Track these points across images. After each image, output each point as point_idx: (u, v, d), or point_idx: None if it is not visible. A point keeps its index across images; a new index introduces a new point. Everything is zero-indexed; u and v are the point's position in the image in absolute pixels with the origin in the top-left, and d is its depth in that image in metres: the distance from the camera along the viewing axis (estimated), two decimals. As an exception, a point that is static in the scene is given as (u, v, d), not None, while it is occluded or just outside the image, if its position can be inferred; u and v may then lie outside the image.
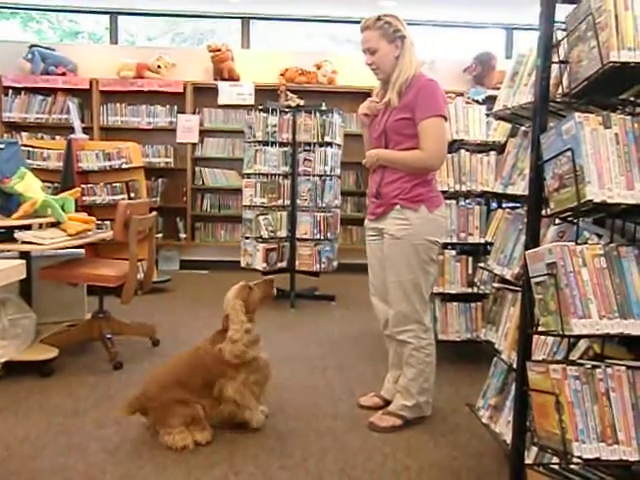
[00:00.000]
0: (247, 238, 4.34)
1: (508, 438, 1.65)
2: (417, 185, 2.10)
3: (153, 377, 2.14)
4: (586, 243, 1.33)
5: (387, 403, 2.34)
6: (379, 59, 2.11)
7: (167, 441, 1.99)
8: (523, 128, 1.88)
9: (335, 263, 4.45)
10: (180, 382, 2.04)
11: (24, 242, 2.60)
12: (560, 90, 1.44)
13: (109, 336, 2.92)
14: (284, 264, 4.32)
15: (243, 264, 4.37)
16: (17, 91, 5.35)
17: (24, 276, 1.35)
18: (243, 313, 2.11)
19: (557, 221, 1.54)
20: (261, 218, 4.24)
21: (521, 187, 1.75)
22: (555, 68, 1.45)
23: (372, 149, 2.22)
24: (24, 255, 2.68)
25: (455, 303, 2.97)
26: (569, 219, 1.47)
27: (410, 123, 2.07)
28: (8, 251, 2.64)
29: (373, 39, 2.10)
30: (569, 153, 1.27)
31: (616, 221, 1.47)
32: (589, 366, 1.28)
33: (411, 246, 2.09)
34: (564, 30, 1.40)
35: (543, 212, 1.48)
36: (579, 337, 1.41)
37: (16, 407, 2.33)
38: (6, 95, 5.33)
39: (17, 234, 2.63)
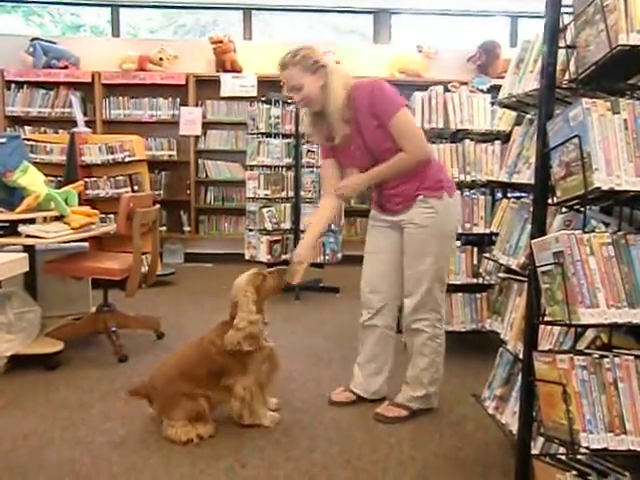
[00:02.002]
0: (251, 230, 4.34)
1: (514, 428, 1.64)
2: (434, 173, 2.10)
3: (159, 369, 2.14)
4: (593, 231, 1.31)
5: (359, 398, 2.33)
6: (307, 93, 2.05)
7: (170, 434, 2.00)
8: (528, 116, 1.85)
9: (339, 255, 4.44)
10: (185, 374, 2.04)
11: (28, 236, 2.60)
12: (567, 76, 1.41)
13: (114, 329, 2.92)
14: (288, 256, 4.31)
15: (247, 256, 4.36)
16: (19, 85, 5.34)
17: (27, 269, 1.35)
18: (253, 302, 2.05)
19: (563, 210, 1.52)
20: (265, 210, 4.23)
21: (527, 176, 1.73)
22: (562, 54, 1.42)
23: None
24: (28, 249, 2.68)
25: (460, 294, 2.96)
26: (576, 207, 1.45)
27: (382, 127, 2.03)
28: (12, 245, 2.64)
29: (295, 76, 2.05)
30: (576, 140, 1.25)
31: (624, 209, 1.44)
32: (597, 356, 1.27)
33: (437, 233, 2.09)
34: (571, 14, 1.37)
35: (549, 201, 1.46)
36: (586, 326, 1.39)
37: (22, 400, 2.34)
38: (8, 89, 5.33)
39: (21, 228, 2.63)
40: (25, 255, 1.35)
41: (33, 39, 5.37)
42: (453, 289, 2.96)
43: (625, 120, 1.23)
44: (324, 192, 2.43)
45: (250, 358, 2.06)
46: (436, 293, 2.14)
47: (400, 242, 2.18)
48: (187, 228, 5.62)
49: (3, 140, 2.85)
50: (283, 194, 4.27)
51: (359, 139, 2.08)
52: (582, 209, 1.39)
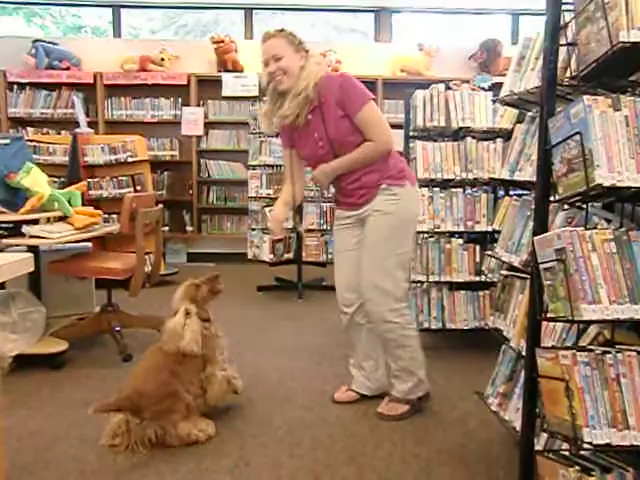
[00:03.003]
0: (253, 230, 4.35)
1: (517, 425, 1.65)
2: (395, 163, 2.14)
3: (138, 377, 2.06)
4: (595, 228, 1.31)
5: (362, 397, 2.34)
6: (285, 65, 2.06)
7: (175, 437, 1.97)
8: (530, 113, 1.85)
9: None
10: (175, 373, 2.03)
11: (32, 236, 2.62)
12: (568, 73, 1.42)
13: (118, 329, 2.94)
14: (291, 255, 4.32)
15: (250, 256, 4.38)
16: (22, 86, 5.36)
17: (32, 269, 1.36)
18: (187, 312, 2.10)
19: (565, 207, 1.53)
20: (267, 209, 4.23)
21: (529, 173, 1.73)
22: (563, 51, 1.42)
23: (314, 166, 2.19)
24: (32, 249, 2.70)
25: (462, 291, 2.97)
26: (577, 204, 1.45)
27: (347, 118, 2.06)
28: (16, 245, 2.66)
29: (280, 46, 2.06)
30: (578, 137, 1.25)
31: (626, 205, 1.45)
32: (599, 352, 1.27)
33: (400, 219, 2.11)
34: (572, 11, 1.37)
35: (551, 198, 1.46)
36: (589, 322, 1.40)
37: (28, 400, 2.36)
38: (11, 90, 5.35)
39: (25, 228, 2.64)
40: (30, 255, 1.36)
41: (35, 40, 5.39)
42: (455, 287, 2.97)
43: (626, 117, 1.23)
44: (284, 179, 2.46)
45: (215, 347, 2.18)
46: (400, 282, 2.13)
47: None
48: (190, 228, 5.63)
49: (6, 141, 2.86)
50: (285, 193, 4.27)
51: (322, 128, 2.10)
52: (584, 206, 1.39)
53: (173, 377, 2.02)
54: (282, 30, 2.10)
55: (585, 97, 1.23)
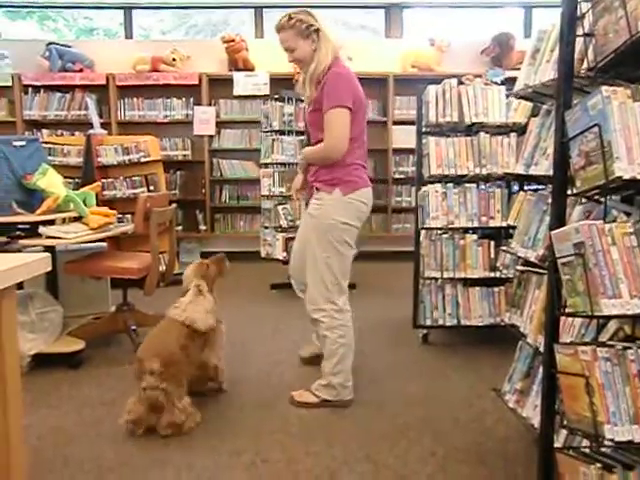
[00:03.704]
0: (266, 228, 4.36)
1: (536, 422, 1.63)
2: (333, 169, 2.18)
3: (160, 341, 2.16)
4: (614, 221, 1.29)
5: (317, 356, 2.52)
6: (298, 55, 2.20)
7: (181, 419, 2.02)
8: (545, 107, 1.82)
9: (355, 251, 4.43)
10: (183, 346, 2.11)
11: (48, 237, 2.65)
12: (585, 65, 1.39)
13: (134, 327, 2.96)
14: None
15: (263, 254, 4.38)
16: (36, 89, 5.42)
17: (50, 268, 1.37)
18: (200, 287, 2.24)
19: (583, 200, 1.50)
20: (280, 207, 4.24)
21: (544, 167, 1.71)
22: (579, 42, 1.40)
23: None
24: (49, 249, 2.73)
25: (477, 288, 2.94)
26: (595, 198, 1.43)
27: (321, 114, 2.14)
28: (33, 246, 2.69)
29: (289, 38, 2.18)
30: (596, 129, 1.23)
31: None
32: (620, 347, 1.25)
33: (322, 225, 2.19)
34: (588, 1, 1.35)
35: (569, 191, 1.44)
36: (609, 317, 1.37)
37: (47, 398, 2.39)
38: (26, 93, 5.41)
39: (41, 229, 2.67)
40: (48, 255, 1.37)
41: (49, 43, 5.44)
42: (470, 283, 2.95)
43: (646, 107, 1.21)
44: None
45: (217, 331, 2.28)
46: (328, 285, 2.20)
47: None
48: (203, 227, 5.66)
49: (22, 143, 2.90)
50: (298, 191, 4.27)
51: (308, 106, 2.27)
52: (602, 199, 1.37)
53: (181, 350, 2.09)
54: (290, 18, 2.18)
55: (603, 88, 1.21)
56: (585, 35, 1.37)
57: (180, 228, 5.44)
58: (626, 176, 1.19)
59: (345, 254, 2.23)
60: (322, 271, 2.20)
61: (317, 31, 2.16)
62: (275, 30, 2.23)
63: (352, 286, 4.34)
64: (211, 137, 5.58)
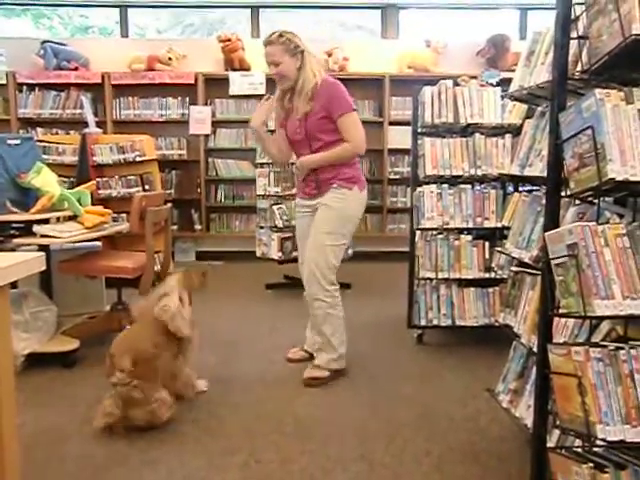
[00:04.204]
0: (262, 228, 4.35)
1: (529, 422, 1.64)
2: (352, 168, 2.49)
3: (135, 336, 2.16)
4: (607, 223, 1.30)
5: (311, 355, 2.71)
6: (282, 70, 2.43)
7: (156, 414, 2.02)
8: (540, 108, 1.84)
9: (350, 251, 4.43)
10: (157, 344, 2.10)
11: (43, 236, 2.63)
12: (579, 67, 1.40)
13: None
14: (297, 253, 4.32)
15: (258, 254, 4.38)
16: (31, 87, 5.39)
17: (44, 267, 1.36)
18: (178, 295, 2.21)
19: (577, 202, 1.51)
20: (275, 207, 4.24)
21: (539, 168, 1.72)
22: (573, 45, 1.41)
23: (296, 153, 2.60)
24: (43, 248, 2.72)
25: (472, 288, 2.96)
26: (589, 199, 1.44)
27: (328, 120, 2.41)
28: (27, 245, 2.68)
29: (277, 53, 2.41)
30: (589, 131, 1.24)
31: (639, 200, 1.43)
32: (612, 347, 1.26)
33: (342, 217, 2.47)
34: (583, 4, 1.36)
35: (562, 193, 1.45)
36: (602, 318, 1.39)
37: (40, 397, 2.38)
38: (20, 91, 5.38)
39: (36, 228, 2.66)
40: (42, 254, 1.37)
41: (43, 41, 5.41)
42: (465, 283, 2.96)
43: (639, 110, 1.22)
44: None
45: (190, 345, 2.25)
46: (331, 267, 2.48)
47: None
48: (198, 226, 5.65)
49: (17, 142, 2.88)
50: (294, 191, 4.25)
51: (304, 120, 2.46)
52: (595, 201, 1.38)
53: (156, 348, 2.07)
54: (280, 36, 2.41)
55: (597, 90, 1.22)
56: (579, 38, 1.38)
57: (175, 227, 5.43)
58: (619, 178, 1.20)
59: (346, 243, 2.55)
60: (331, 256, 2.46)
61: (302, 52, 2.42)
62: (263, 44, 2.44)
63: (347, 286, 4.39)
64: (207, 136, 5.57)
